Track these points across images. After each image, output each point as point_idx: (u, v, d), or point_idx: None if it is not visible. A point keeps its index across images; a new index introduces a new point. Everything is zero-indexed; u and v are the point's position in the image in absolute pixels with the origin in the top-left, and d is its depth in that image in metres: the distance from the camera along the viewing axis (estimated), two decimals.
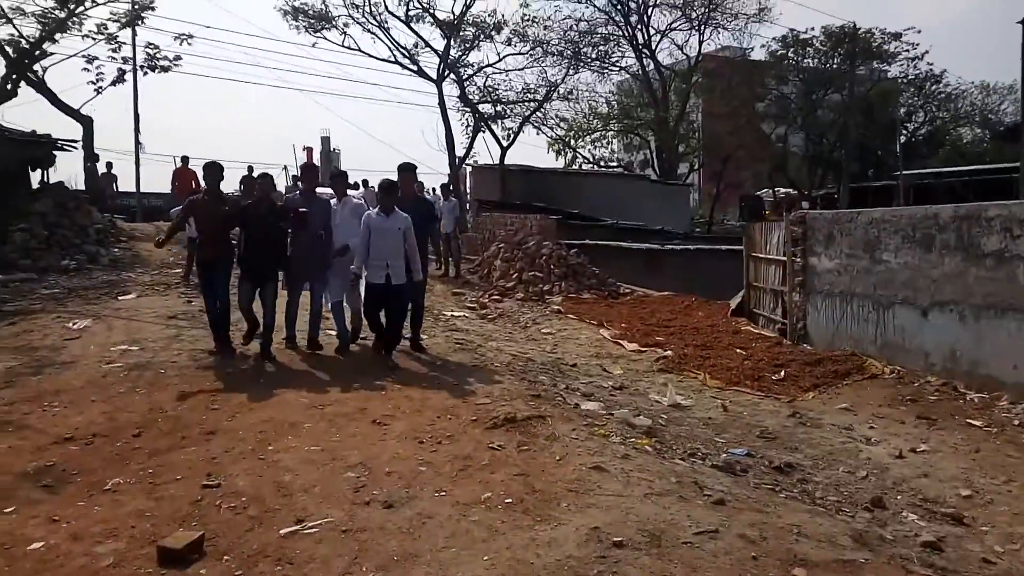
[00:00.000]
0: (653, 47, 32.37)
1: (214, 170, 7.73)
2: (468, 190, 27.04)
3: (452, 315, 11.49)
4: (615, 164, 35.11)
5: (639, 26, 31.82)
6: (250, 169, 20.56)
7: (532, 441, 5.17)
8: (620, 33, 31.37)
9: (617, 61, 31.48)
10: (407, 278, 7.47)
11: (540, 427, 5.45)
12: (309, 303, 8.11)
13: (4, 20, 17.88)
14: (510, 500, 4.21)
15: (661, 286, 14.81)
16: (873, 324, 8.91)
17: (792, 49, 32.49)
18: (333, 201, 8.12)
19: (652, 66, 32.54)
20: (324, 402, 6.13)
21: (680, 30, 32.69)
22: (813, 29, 31.98)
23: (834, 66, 32.40)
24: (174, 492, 4.42)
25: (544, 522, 3.96)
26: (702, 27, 32.40)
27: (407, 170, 8.35)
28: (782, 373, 8.44)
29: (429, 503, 4.19)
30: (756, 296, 11.96)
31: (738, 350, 9.58)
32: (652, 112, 32.69)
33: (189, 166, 18.50)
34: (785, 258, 10.61)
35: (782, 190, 35.19)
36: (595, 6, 30.70)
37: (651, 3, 31.48)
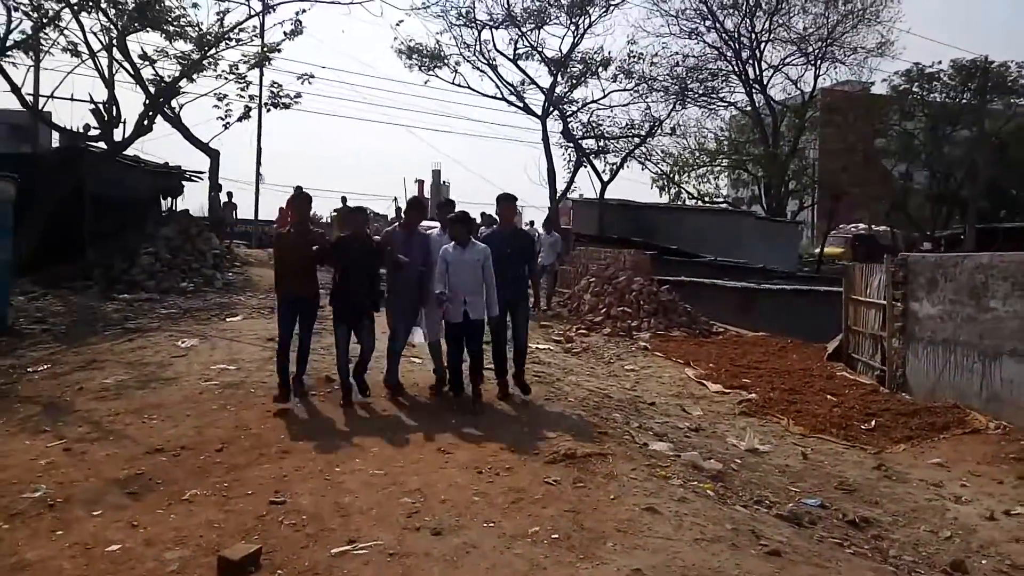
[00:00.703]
0: (765, 82, 31.81)
1: (301, 202, 7.51)
2: (568, 224, 27.21)
3: (537, 347, 11.56)
4: (721, 200, 34.43)
5: (750, 61, 31.38)
6: (343, 200, 21.52)
7: (589, 478, 5.17)
8: (730, 68, 31.01)
9: (725, 96, 31.08)
10: (487, 313, 7.03)
11: (599, 465, 5.44)
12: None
13: (149, 62, 19.64)
14: (557, 535, 4.23)
15: (757, 326, 14.38)
16: (978, 375, 8.35)
17: (917, 83, 31.09)
18: (435, 232, 7.63)
19: (763, 101, 31.91)
20: (394, 427, 6.34)
21: (794, 65, 32.02)
22: (940, 63, 30.49)
23: (963, 101, 30.75)
24: (243, 506, 4.69)
25: (587, 560, 3.96)
26: (818, 62, 31.61)
27: (507, 200, 7.82)
28: (873, 423, 8.03)
29: (477, 533, 4.27)
30: (855, 340, 11.42)
31: (828, 396, 9.18)
32: (762, 148, 31.97)
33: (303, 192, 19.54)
34: (885, 302, 10.11)
35: (895, 230, 33.41)
36: (705, 42, 30.58)
37: (764, 39, 31.04)
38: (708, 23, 30.19)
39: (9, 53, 15.13)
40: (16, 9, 14.86)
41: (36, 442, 5.94)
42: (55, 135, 19.40)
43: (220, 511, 4.62)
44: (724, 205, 33.96)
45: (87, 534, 4.23)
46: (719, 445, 7.25)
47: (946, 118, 31.09)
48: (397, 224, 7.75)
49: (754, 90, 31.44)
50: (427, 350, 7.86)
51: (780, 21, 30.64)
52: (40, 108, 20.73)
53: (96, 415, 6.66)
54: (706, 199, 33.18)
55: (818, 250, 32.57)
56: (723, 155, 33.22)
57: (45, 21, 15.10)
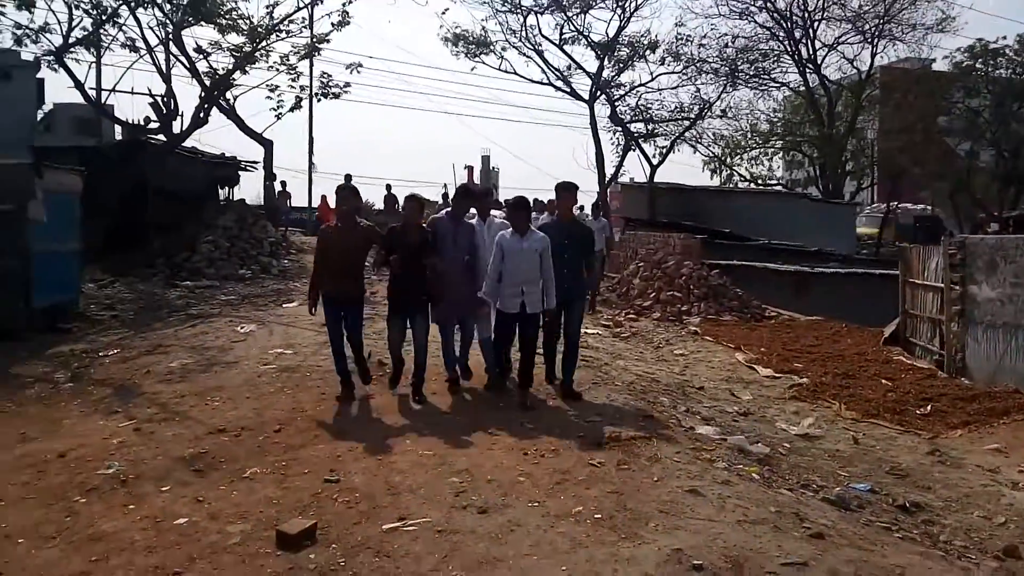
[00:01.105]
0: (819, 62, 31.00)
1: (348, 193, 7.00)
2: (617, 207, 27.08)
3: (585, 332, 11.58)
4: (775, 183, 33.76)
5: (804, 40, 30.59)
6: (347, 178, 21.59)
7: (633, 460, 5.24)
8: (782, 48, 30.29)
9: (777, 77, 30.39)
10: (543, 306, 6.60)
11: (644, 447, 5.51)
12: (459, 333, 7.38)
13: (204, 55, 20.20)
14: (599, 515, 4.32)
15: (811, 311, 14.16)
16: None
17: (980, 60, 29.90)
18: (475, 221, 7.29)
19: (817, 81, 31.11)
20: (443, 413, 6.50)
21: (849, 43, 31.10)
22: (1004, 38, 29.27)
23: None
24: (300, 484, 4.90)
25: (628, 539, 4.04)
26: (875, 40, 30.65)
27: (566, 189, 7.24)
28: (928, 407, 7.89)
29: (521, 512, 4.39)
30: (912, 324, 11.18)
31: (883, 381, 9.04)
32: (816, 129, 31.21)
33: (351, 182, 19.87)
34: (943, 285, 9.87)
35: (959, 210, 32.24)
36: (756, 22, 29.91)
37: (817, 17, 30.21)
38: (759, 3, 29.50)
39: (72, 50, 15.75)
40: (77, 7, 15.45)
41: (109, 422, 6.28)
42: (118, 128, 20.08)
43: (278, 488, 4.84)
44: (778, 187, 33.26)
45: (156, 508, 4.49)
46: (768, 429, 7.23)
47: (1013, 94, 29.85)
48: (444, 212, 7.23)
49: (808, 70, 30.65)
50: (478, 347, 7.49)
51: None
52: (103, 102, 21.53)
53: (162, 397, 7.00)
54: (759, 181, 32.59)
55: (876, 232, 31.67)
56: (776, 136, 32.52)
57: (104, 18, 15.66)
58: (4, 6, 15.98)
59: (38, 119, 40.81)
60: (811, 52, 30.81)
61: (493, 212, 9.94)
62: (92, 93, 21.23)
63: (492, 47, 26.59)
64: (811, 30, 30.47)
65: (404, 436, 5.81)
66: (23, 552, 3.94)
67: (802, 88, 31.61)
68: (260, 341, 9.32)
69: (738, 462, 5.57)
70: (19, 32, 16.21)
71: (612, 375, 8.59)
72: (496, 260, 6.60)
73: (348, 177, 20.33)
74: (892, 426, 7.40)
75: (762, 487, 5.08)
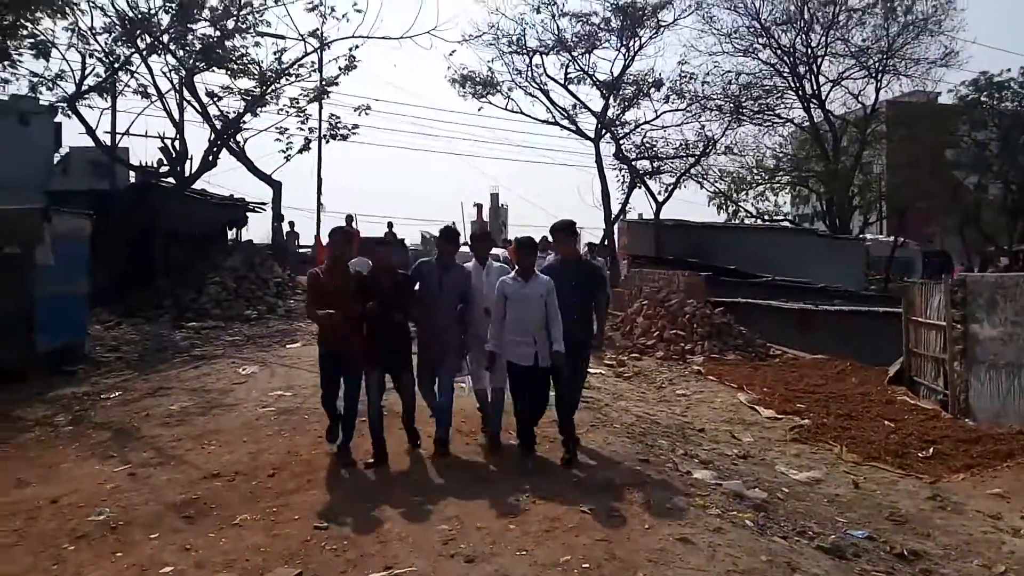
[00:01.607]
0: (823, 97, 31.26)
1: (338, 238, 6.46)
2: (623, 246, 27.17)
3: (588, 372, 11.59)
4: (781, 218, 33.79)
5: (807, 76, 30.89)
6: (348, 219, 21.69)
7: (625, 507, 5.20)
8: (786, 84, 30.58)
9: (782, 113, 30.64)
10: (557, 354, 6.02)
11: (636, 494, 5.47)
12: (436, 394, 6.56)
13: (215, 100, 20.61)
14: (587, 565, 4.28)
15: (815, 348, 14.07)
16: None
17: (985, 92, 30.08)
18: (469, 265, 6.78)
19: (821, 116, 31.33)
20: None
21: (853, 79, 31.38)
22: (1009, 70, 29.50)
23: None
24: (289, 531, 4.89)
25: None
26: (879, 75, 30.91)
27: (562, 230, 6.69)
28: (931, 450, 7.80)
29: (509, 560, 4.36)
30: (917, 363, 11.09)
31: (886, 422, 8.96)
32: (822, 164, 31.33)
33: (353, 225, 20.00)
34: (945, 324, 9.82)
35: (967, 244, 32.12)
36: (760, 59, 30.26)
37: (821, 53, 30.55)
38: (762, 40, 29.88)
39: (85, 96, 16.12)
40: (91, 55, 15.86)
41: (104, 467, 6.31)
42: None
43: (268, 535, 4.83)
44: (785, 223, 33.28)
45: (144, 556, 4.49)
46: (767, 473, 7.17)
47: (1019, 127, 29.94)
48: (435, 257, 6.68)
49: (812, 105, 30.89)
50: (475, 401, 6.96)
51: (837, 35, 30.11)
52: (116, 145, 21.96)
53: (160, 441, 7.02)
54: (765, 217, 32.64)
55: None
56: (783, 172, 32.65)
57: (117, 66, 16.04)
58: (21, 55, 16.44)
59: (55, 162, 41.68)
60: (815, 88, 31.11)
61: (495, 252, 9.89)
62: (107, 137, 21.67)
63: (499, 87, 26.96)
64: (815, 66, 30.80)
65: (395, 480, 5.80)
66: None
67: (807, 124, 31.81)
68: (261, 383, 9.35)
69: (732, 508, 5.51)
70: (35, 80, 16.66)
71: (612, 416, 8.55)
72: (499, 308, 6.10)
73: (349, 218, 20.50)
74: (893, 470, 7.32)
75: (755, 535, 5.03)
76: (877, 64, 30.65)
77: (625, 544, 4.57)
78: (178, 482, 5.85)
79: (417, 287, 6.50)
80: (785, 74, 30.68)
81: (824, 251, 25.08)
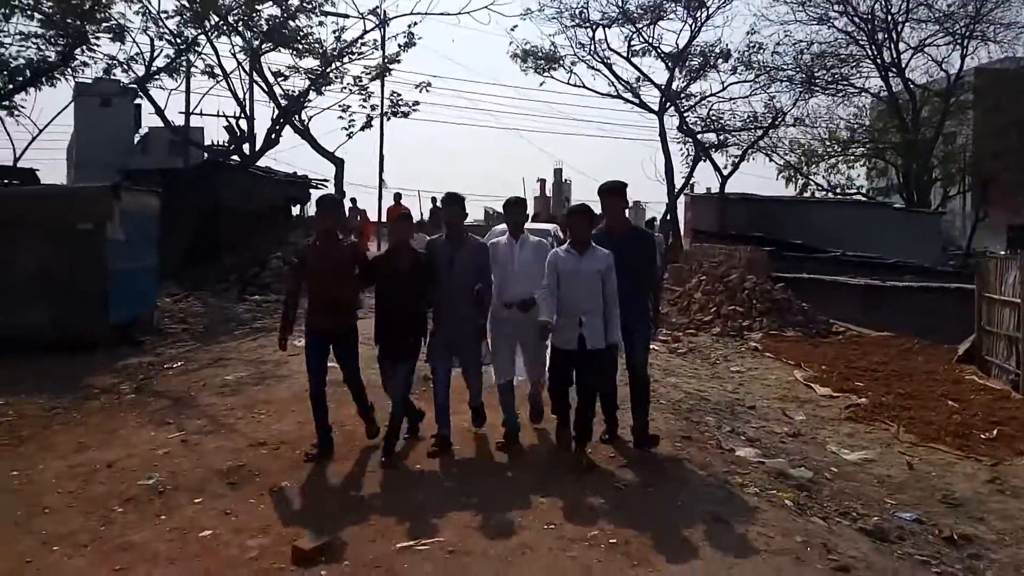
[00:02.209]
0: (903, 65, 29.75)
1: (326, 207, 5.92)
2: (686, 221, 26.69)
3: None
4: (854, 191, 32.49)
5: (887, 43, 29.42)
6: (433, 200, 21.57)
7: (660, 483, 5.14)
8: (863, 53, 29.21)
9: (857, 82, 29.34)
10: (614, 348, 5.48)
11: (674, 470, 5.39)
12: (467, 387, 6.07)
13: (282, 78, 21.04)
14: (615, 541, 4.25)
15: (882, 326, 13.53)
16: None
17: None
18: (504, 239, 6.07)
19: (900, 85, 29.86)
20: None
21: (937, 45, 29.72)
22: None
23: None
24: (326, 498, 5.02)
25: (640, 566, 3.98)
26: (965, 41, 29.19)
27: (611, 192, 5.88)
28: (995, 431, 7.42)
29: (536, 534, 4.36)
30: (989, 342, 10.55)
31: (950, 402, 8.57)
32: (900, 135, 29.92)
33: (402, 203, 19.94)
34: (1019, 300, 9.30)
35: None
36: (835, 27, 28.96)
37: (901, 19, 29.02)
38: (838, 8, 28.55)
39: (156, 78, 16.69)
40: (160, 38, 16.39)
41: (159, 433, 6.58)
42: None
43: (304, 503, 4.97)
44: (858, 197, 32.00)
45: (185, 520, 4.67)
46: (817, 452, 6.96)
47: None
48: (445, 233, 5.94)
49: (891, 74, 29.43)
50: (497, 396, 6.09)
51: (920, 0, 28.52)
52: (188, 125, 22.69)
53: (213, 409, 7.28)
54: (838, 191, 31.45)
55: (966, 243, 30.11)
56: (857, 143, 31.33)
57: (184, 47, 16.53)
58: (99, 39, 17.12)
59: (135, 142, 43.18)
60: (895, 56, 29.61)
61: (546, 227, 9.48)
62: (181, 116, 22.40)
63: (561, 62, 26.67)
64: (895, 33, 29.31)
65: (435, 452, 5.85)
66: (55, 560, 4.18)
67: (884, 93, 30.38)
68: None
69: (772, 487, 5.38)
70: (110, 63, 17.34)
71: (660, 393, 8.42)
72: (552, 282, 5.41)
73: (397, 196, 20.62)
74: (952, 451, 7.00)
75: (793, 514, 4.90)
76: (963, 29, 28.94)
77: (655, 520, 4.52)
78: (226, 449, 6.05)
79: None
80: (862, 42, 29.30)
81: (900, 225, 24.07)
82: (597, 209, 6.08)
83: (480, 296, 5.69)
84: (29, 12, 15.76)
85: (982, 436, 7.35)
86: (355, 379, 5.98)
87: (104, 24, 16.50)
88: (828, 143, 30.82)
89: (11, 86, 16.10)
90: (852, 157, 32.01)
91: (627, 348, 5.83)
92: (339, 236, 5.92)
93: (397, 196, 20.86)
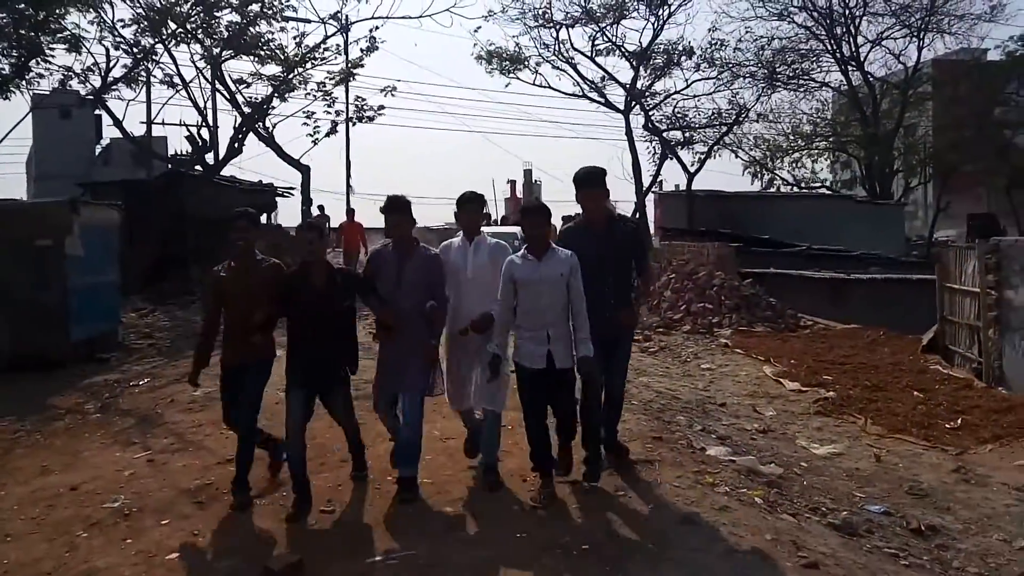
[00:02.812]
0: (861, 59, 30.25)
1: (243, 223, 5.07)
2: (656, 218, 26.87)
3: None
4: (818, 185, 32.98)
5: (845, 37, 29.90)
6: (320, 208, 20.63)
7: (633, 486, 5.15)
8: (822, 47, 29.66)
9: (818, 76, 29.79)
10: (585, 361, 4.70)
11: (645, 473, 5.41)
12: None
13: (244, 86, 20.80)
14: (587, 546, 4.24)
15: (849, 318, 13.75)
16: None
17: None
18: (456, 240, 5.30)
19: (860, 79, 30.35)
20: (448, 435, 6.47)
21: (894, 38, 30.29)
22: None
23: None
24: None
25: (613, 572, 3.97)
26: (922, 33, 29.77)
27: (588, 183, 5.15)
28: (959, 421, 7.57)
29: (510, 543, 4.35)
30: (951, 331, 10.76)
31: (916, 392, 8.72)
32: (861, 128, 30.41)
33: (356, 219, 19.07)
34: (979, 290, 9.49)
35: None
36: (795, 22, 29.35)
37: (859, 13, 29.51)
38: (797, 3, 28.94)
39: (114, 88, 16.41)
40: (117, 47, 16.12)
41: (125, 453, 6.46)
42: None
43: (275, 520, 4.90)
44: (822, 190, 32.48)
45: (152, 542, 4.58)
46: (787, 448, 7.05)
47: None
48: (388, 243, 5.20)
49: (850, 67, 29.92)
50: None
51: None
52: (150, 135, 22.34)
53: (181, 427, 7.17)
54: (802, 184, 31.90)
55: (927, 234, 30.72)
56: (820, 137, 31.80)
57: (141, 56, 16.27)
58: (53, 50, 16.80)
59: (96, 153, 42.40)
60: (853, 49, 30.12)
61: (509, 230, 9.39)
62: (143, 127, 22.04)
63: (526, 63, 26.69)
64: (852, 27, 29.81)
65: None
66: None
67: (844, 87, 30.88)
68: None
69: (742, 486, 5.42)
70: (66, 74, 17.02)
71: (631, 393, 8.44)
72: (506, 296, 4.78)
73: (321, 208, 20.29)
74: (918, 442, 7.13)
75: (763, 512, 4.94)
76: (919, 22, 29.53)
77: (628, 525, 4.53)
78: (194, 468, 5.96)
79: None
80: (821, 36, 29.75)
81: (863, 217, 24.53)
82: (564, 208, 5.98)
83: (432, 315, 4.93)
84: None
85: (947, 426, 7.50)
86: (247, 411, 5.23)
87: (58, 35, 16.22)
88: (792, 138, 31.28)
89: None
90: (815, 151, 32.52)
91: (605, 362, 5.09)
92: (255, 258, 5.12)
93: (350, 212, 20.60)
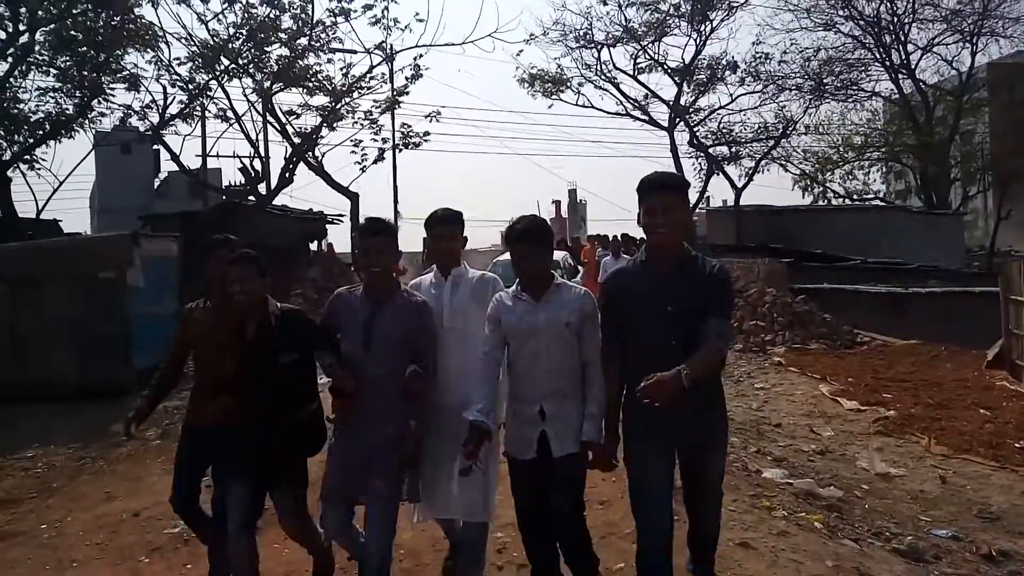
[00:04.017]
0: (912, 66, 29.60)
1: (221, 253, 3.99)
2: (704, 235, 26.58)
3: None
4: (872, 196, 32.22)
5: (894, 45, 29.30)
6: (226, 241, 20.37)
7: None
8: (871, 56, 29.12)
9: (865, 87, 29.24)
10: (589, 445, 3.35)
11: None
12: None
13: (295, 116, 21.37)
14: None
15: (908, 334, 13.33)
16: None
17: None
18: (427, 278, 3.90)
19: (912, 87, 29.68)
20: None
21: (946, 44, 29.57)
22: None
23: None
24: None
25: None
26: (975, 38, 29.02)
27: (663, 187, 3.30)
28: None
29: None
30: (1019, 346, 10.35)
31: (981, 410, 8.40)
32: (914, 136, 29.68)
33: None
34: None
35: None
36: (841, 32, 28.91)
37: (908, 20, 28.91)
38: (843, 12, 28.50)
39: (170, 124, 17.03)
40: (173, 85, 16.75)
41: None
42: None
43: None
44: (876, 202, 31.71)
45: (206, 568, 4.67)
46: (846, 469, 6.85)
47: None
48: (355, 286, 3.92)
49: (900, 75, 29.27)
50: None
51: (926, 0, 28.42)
52: (205, 167, 23.08)
53: None
54: (855, 197, 31.21)
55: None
56: (872, 148, 31.12)
57: (196, 92, 16.87)
58: (114, 89, 17.54)
59: (155, 187, 44.00)
60: (903, 57, 29.48)
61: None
62: (198, 159, 22.78)
63: (568, 83, 26.83)
64: (902, 34, 29.19)
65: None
66: None
67: (895, 96, 30.22)
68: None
69: (800, 509, 5.29)
70: (126, 112, 17.74)
71: None
72: (493, 343, 3.45)
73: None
74: (986, 462, 6.84)
75: (823, 537, 4.80)
76: (972, 26, 28.78)
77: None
78: None
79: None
80: (870, 45, 29.21)
81: (920, 228, 23.83)
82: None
83: (413, 385, 3.46)
84: (45, 68, 16.18)
85: (1016, 445, 7.19)
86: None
87: (118, 75, 16.93)
88: (842, 149, 30.66)
89: (31, 141, 16.49)
90: (867, 162, 31.82)
91: (690, 483, 3.54)
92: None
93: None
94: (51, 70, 16.51)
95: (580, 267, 13.54)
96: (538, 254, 3.44)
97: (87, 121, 17.50)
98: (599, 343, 3.40)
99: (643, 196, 3.29)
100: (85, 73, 16.49)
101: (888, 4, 28.61)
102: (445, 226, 3.77)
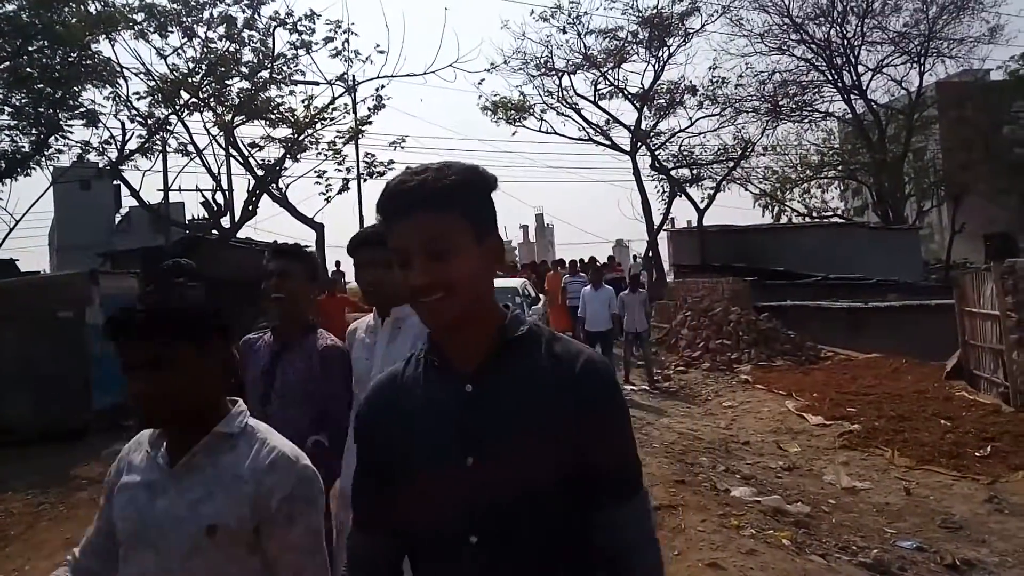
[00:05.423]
0: (863, 87, 30.48)
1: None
2: (667, 256, 26.91)
3: (632, 389, 11.46)
4: (829, 214, 32.94)
5: (846, 67, 30.19)
6: (336, 263, 19.25)
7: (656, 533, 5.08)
8: (824, 78, 29.94)
9: (819, 107, 30.05)
10: None
11: (669, 517, 5.34)
12: None
13: (257, 149, 21.24)
14: None
15: (870, 347, 13.57)
16: None
17: None
18: (363, 324, 2.92)
19: (864, 107, 30.55)
20: None
21: (895, 65, 30.56)
22: None
23: None
24: None
25: None
26: (922, 59, 30.01)
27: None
28: (988, 448, 7.42)
29: None
30: (975, 356, 10.60)
31: (942, 421, 8.56)
32: (869, 155, 30.49)
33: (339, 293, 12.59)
34: (999, 313, 9.38)
35: None
36: (794, 56, 29.70)
37: (857, 43, 29.82)
38: (795, 37, 29.33)
39: (131, 158, 16.84)
40: (132, 120, 16.58)
41: None
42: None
43: None
44: (834, 219, 32.44)
45: None
46: (813, 484, 6.94)
47: None
48: (263, 330, 3.14)
49: (852, 96, 30.14)
50: None
51: (874, 23, 29.39)
52: (168, 202, 22.83)
53: None
54: (814, 214, 31.88)
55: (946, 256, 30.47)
56: (828, 166, 31.89)
57: (156, 127, 16.73)
58: (71, 126, 17.31)
59: (116, 223, 43.31)
60: (855, 78, 30.36)
61: (509, 283, 6.91)
62: (160, 195, 22.53)
63: (531, 110, 27.10)
64: (852, 56, 30.09)
65: None
66: None
67: (849, 116, 31.07)
68: None
69: (769, 527, 5.34)
70: (84, 148, 17.49)
71: (653, 435, 8.42)
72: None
73: (337, 263, 19.48)
74: (948, 472, 6.98)
75: (791, 555, 4.84)
76: (918, 48, 29.79)
77: None
78: None
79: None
80: (822, 67, 30.06)
81: (878, 244, 24.37)
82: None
83: (317, 460, 2.04)
84: (0, 106, 15.94)
85: (976, 454, 7.35)
86: None
87: (76, 111, 16.70)
88: (800, 168, 31.35)
89: None
90: (825, 180, 32.56)
91: None
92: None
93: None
94: (5, 108, 16.25)
95: (542, 295, 13.48)
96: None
97: (43, 158, 17.21)
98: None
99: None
100: (42, 110, 16.25)
101: (838, 28, 29.57)
102: (375, 249, 2.62)
